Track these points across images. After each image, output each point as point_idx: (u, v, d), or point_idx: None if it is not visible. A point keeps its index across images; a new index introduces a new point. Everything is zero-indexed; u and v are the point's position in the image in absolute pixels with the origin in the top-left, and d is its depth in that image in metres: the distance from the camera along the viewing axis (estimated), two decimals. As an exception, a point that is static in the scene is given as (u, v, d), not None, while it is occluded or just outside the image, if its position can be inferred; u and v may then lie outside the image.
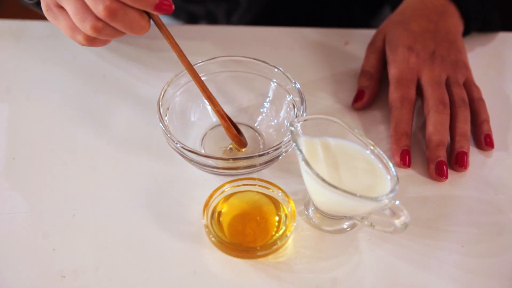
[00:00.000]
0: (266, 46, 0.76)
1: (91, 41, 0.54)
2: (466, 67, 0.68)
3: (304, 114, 0.59)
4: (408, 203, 0.58)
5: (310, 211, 0.57)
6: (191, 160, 0.58)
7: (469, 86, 0.67)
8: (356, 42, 0.77)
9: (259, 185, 0.56)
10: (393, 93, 0.65)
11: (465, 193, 0.60)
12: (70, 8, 0.51)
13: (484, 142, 0.63)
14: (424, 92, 0.66)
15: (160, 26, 0.55)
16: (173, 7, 0.52)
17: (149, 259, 0.54)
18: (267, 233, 0.54)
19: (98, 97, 0.69)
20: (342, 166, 0.54)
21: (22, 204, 0.58)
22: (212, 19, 0.93)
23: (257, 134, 0.65)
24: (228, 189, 0.56)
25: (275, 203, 0.56)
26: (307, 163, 0.49)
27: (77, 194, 0.59)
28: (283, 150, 0.58)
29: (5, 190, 0.59)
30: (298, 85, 0.61)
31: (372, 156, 0.54)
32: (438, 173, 0.60)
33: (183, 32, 0.78)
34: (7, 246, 0.55)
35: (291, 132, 0.52)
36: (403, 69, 0.66)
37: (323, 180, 0.49)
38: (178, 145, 0.56)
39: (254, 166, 0.57)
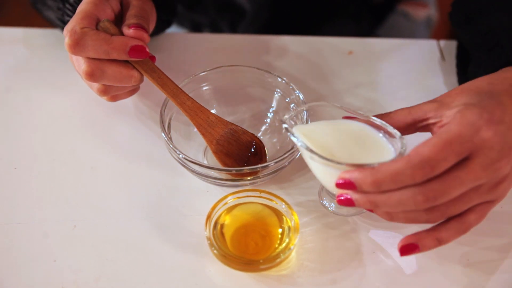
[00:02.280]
0: (270, 55, 0.76)
1: (114, 98, 0.60)
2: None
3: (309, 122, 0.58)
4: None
5: (324, 200, 0.57)
6: (193, 171, 0.57)
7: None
8: (360, 51, 0.77)
9: (262, 197, 0.56)
10: (427, 148, 0.45)
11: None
12: (80, 74, 0.57)
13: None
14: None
15: (145, 71, 0.58)
16: (148, 49, 0.56)
17: (150, 271, 0.53)
18: (270, 245, 0.53)
19: (100, 106, 0.69)
20: (344, 144, 0.51)
21: (23, 214, 0.58)
22: (216, 29, 0.93)
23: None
24: (231, 201, 0.56)
25: (278, 215, 0.55)
26: (310, 150, 0.48)
27: (78, 204, 0.59)
28: (287, 161, 0.57)
29: (6, 200, 0.59)
30: (302, 96, 0.61)
31: (369, 127, 0.52)
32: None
33: (187, 41, 0.77)
34: (8, 256, 0.54)
35: (285, 129, 0.51)
36: (464, 135, 0.46)
37: (338, 162, 0.47)
38: (181, 155, 0.56)
39: (257, 177, 0.57)
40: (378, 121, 0.52)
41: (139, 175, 0.61)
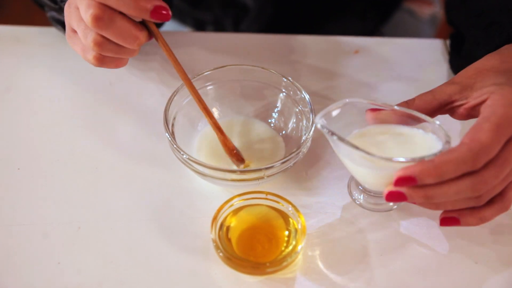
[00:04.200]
0: (275, 54, 0.75)
1: (101, 60, 0.55)
2: None
3: (314, 125, 0.58)
4: (420, 214, 0.57)
5: (355, 194, 0.57)
6: (197, 172, 0.56)
7: None
8: (366, 50, 0.76)
9: (268, 199, 0.55)
10: (483, 134, 0.46)
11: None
12: (77, 28, 0.54)
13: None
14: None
15: (156, 35, 0.54)
16: (171, 14, 0.53)
17: (155, 274, 0.53)
18: (277, 248, 0.53)
19: (104, 106, 0.68)
20: (384, 145, 0.52)
21: (27, 215, 0.57)
22: (219, 27, 0.92)
23: None
24: (237, 203, 0.55)
25: (285, 217, 0.55)
26: (368, 153, 0.47)
27: (82, 206, 0.58)
28: (292, 163, 0.57)
29: (10, 201, 0.58)
30: (307, 96, 0.60)
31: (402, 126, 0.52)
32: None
33: (190, 39, 0.77)
34: (12, 258, 0.54)
35: (325, 129, 0.50)
36: (510, 116, 0.47)
37: (392, 160, 0.47)
38: (185, 156, 0.55)
39: (262, 178, 0.56)
40: (408, 111, 0.51)
41: (143, 177, 0.61)
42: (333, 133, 0.49)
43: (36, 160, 0.62)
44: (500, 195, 0.49)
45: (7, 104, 0.68)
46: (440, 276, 0.53)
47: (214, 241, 0.52)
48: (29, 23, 0.79)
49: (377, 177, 0.50)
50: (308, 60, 0.75)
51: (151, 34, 0.54)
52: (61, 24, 0.67)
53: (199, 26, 0.95)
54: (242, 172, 0.55)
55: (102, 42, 0.53)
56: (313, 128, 0.57)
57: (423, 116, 0.51)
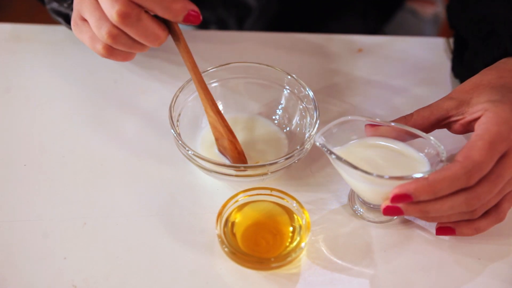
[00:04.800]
0: (278, 52, 0.76)
1: (110, 51, 0.53)
2: None
3: (318, 122, 0.58)
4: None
5: (357, 205, 0.58)
6: (202, 167, 0.57)
7: None
8: (370, 49, 0.76)
9: (273, 195, 0.55)
10: (476, 152, 0.47)
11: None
12: (90, 17, 0.52)
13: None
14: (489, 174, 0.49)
15: (179, 35, 0.54)
16: (201, 18, 0.52)
17: (160, 269, 0.53)
18: (281, 244, 0.53)
19: (109, 103, 0.68)
20: (377, 161, 0.53)
21: (33, 211, 0.58)
22: (223, 26, 0.93)
23: None
24: (241, 199, 0.55)
25: (289, 213, 0.55)
26: (362, 171, 0.49)
27: (88, 202, 0.58)
28: (295, 159, 0.57)
29: (16, 197, 0.59)
30: (311, 93, 0.61)
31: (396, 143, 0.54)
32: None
33: (194, 37, 0.77)
34: (18, 254, 0.54)
35: (323, 147, 0.51)
36: (503, 134, 0.48)
37: (389, 177, 0.48)
38: (190, 152, 0.56)
39: (266, 174, 0.57)
40: (406, 128, 0.53)
41: (149, 173, 0.61)
42: (331, 152, 0.50)
43: (41, 157, 0.62)
44: (495, 207, 0.51)
45: (14, 100, 0.69)
46: (443, 272, 0.53)
47: (219, 236, 0.53)
48: (31, 22, 0.80)
49: (375, 192, 0.52)
50: (311, 58, 0.75)
51: (171, 33, 0.53)
52: (61, 16, 0.67)
53: (203, 25, 0.95)
54: (246, 168, 0.56)
55: (117, 35, 0.51)
56: (317, 125, 0.58)
57: (419, 132, 0.52)
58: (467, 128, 0.53)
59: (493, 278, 0.53)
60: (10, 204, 0.58)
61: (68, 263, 0.54)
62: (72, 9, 0.61)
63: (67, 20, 0.65)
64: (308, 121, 0.61)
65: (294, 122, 0.64)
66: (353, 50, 0.76)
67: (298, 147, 0.56)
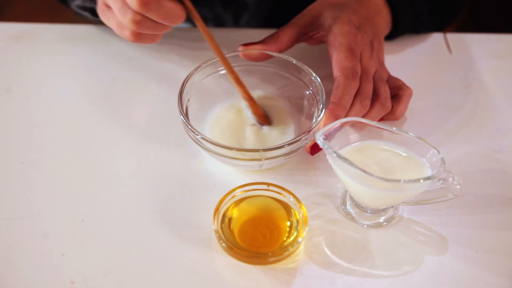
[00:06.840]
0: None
1: (138, 36, 0.56)
2: (386, 69, 0.67)
3: (323, 110, 0.58)
4: (421, 205, 0.58)
5: (348, 207, 0.57)
6: (210, 151, 0.57)
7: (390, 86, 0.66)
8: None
9: (270, 190, 0.56)
10: (345, 61, 0.60)
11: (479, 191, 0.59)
12: (113, 5, 0.54)
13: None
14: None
15: (192, 11, 0.55)
16: None
17: (159, 264, 0.53)
18: (278, 238, 0.53)
19: (108, 100, 0.69)
20: (377, 164, 0.54)
21: (31, 208, 0.58)
22: (220, 23, 0.93)
23: None
24: (238, 194, 0.56)
25: (286, 208, 0.55)
26: (363, 171, 0.49)
27: (86, 199, 0.59)
28: (302, 143, 0.57)
29: (14, 195, 0.59)
30: (318, 79, 0.61)
31: (399, 147, 0.54)
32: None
33: (190, 35, 0.77)
34: (16, 251, 0.54)
35: (323, 144, 0.51)
36: (352, 42, 0.61)
37: (386, 179, 0.49)
38: (199, 136, 0.56)
39: (259, 159, 0.56)
40: (404, 133, 0.54)
41: (145, 170, 0.61)
42: (334, 151, 0.51)
43: (38, 154, 0.63)
44: (376, 96, 0.62)
45: (13, 97, 0.69)
46: (441, 265, 0.53)
47: (216, 232, 0.53)
48: (31, 22, 0.80)
49: (372, 194, 0.52)
50: (307, 55, 0.75)
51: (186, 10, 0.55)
52: (87, 11, 0.67)
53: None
54: (239, 150, 0.56)
55: (141, 21, 0.53)
56: (319, 120, 0.58)
57: (417, 139, 0.53)
58: (320, 41, 0.67)
59: (491, 272, 0.53)
60: (8, 202, 0.58)
61: (66, 260, 0.54)
62: (95, 2, 0.62)
63: (93, 13, 0.65)
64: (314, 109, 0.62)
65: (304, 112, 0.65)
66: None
67: (303, 132, 0.56)
